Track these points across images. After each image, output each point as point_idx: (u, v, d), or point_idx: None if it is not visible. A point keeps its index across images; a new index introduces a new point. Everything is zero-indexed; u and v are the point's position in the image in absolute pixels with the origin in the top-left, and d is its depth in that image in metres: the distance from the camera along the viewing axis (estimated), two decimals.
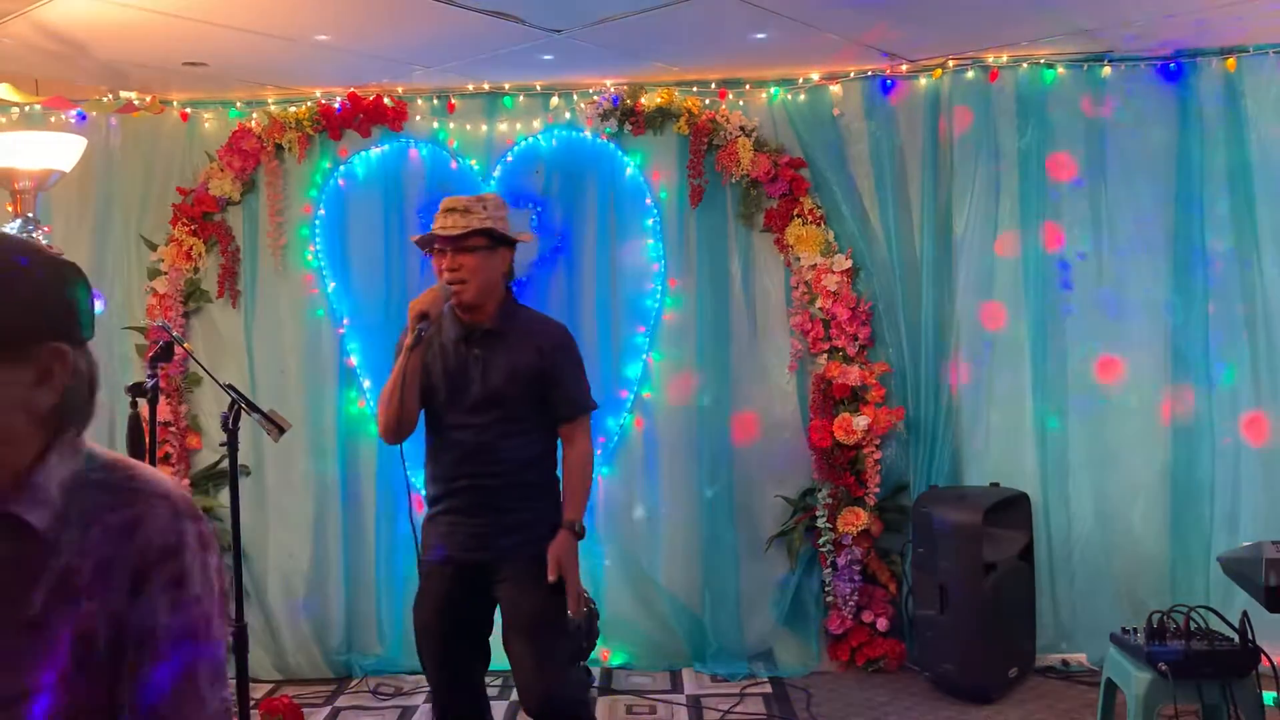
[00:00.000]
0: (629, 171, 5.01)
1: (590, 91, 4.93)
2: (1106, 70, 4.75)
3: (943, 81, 4.85)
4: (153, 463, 3.48)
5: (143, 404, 3.39)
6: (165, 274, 4.95)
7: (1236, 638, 3.21)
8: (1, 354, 1.14)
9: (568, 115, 4.98)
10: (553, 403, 3.14)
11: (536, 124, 5.00)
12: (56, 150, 4.19)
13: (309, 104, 4.97)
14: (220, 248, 5.00)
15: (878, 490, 4.83)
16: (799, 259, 4.88)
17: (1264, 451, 4.63)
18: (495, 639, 3.22)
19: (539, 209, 4.99)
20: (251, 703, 4.05)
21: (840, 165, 4.93)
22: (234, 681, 3.30)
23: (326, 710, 4.52)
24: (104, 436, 3.79)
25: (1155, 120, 4.74)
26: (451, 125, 5.03)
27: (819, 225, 4.87)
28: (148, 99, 4.93)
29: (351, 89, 4.94)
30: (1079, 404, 4.81)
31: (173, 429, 4.88)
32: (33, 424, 1.19)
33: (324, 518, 4.99)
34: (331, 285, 5.03)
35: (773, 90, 4.96)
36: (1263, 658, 3.20)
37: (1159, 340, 4.76)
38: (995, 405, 4.85)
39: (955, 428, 4.86)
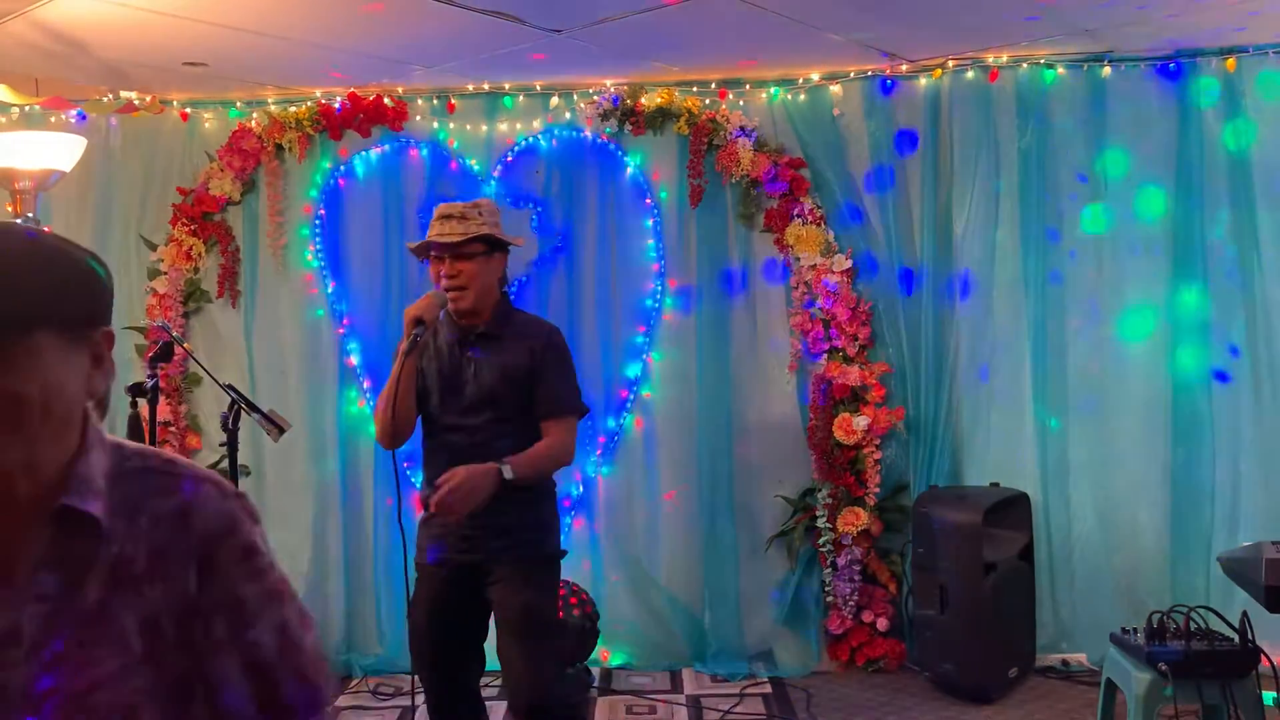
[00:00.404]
0: (629, 171, 5.01)
1: (590, 91, 4.93)
2: (1106, 70, 4.75)
3: (943, 81, 4.85)
4: None
5: (142, 404, 3.40)
6: (165, 274, 4.95)
7: (1236, 638, 3.20)
8: (69, 337, 1.14)
9: (568, 115, 4.98)
10: (535, 400, 3.12)
11: (536, 124, 5.00)
12: (56, 150, 4.19)
13: (309, 104, 4.96)
14: (220, 248, 4.99)
15: (878, 490, 4.83)
16: (799, 259, 4.88)
17: (1264, 451, 4.63)
18: (493, 642, 3.21)
19: (539, 209, 4.99)
20: None
21: (840, 165, 4.93)
22: None
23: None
24: None
25: (1155, 120, 4.74)
26: (451, 125, 5.02)
27: (819, 225, 4.87)
28: (148, 99, 4.92)
29: (351, 89, 4.94)
30: (1079, 404, 4.81)
31: (172, 429, 4.88)
32: (86, 410, 1.20)
33: (323, 518, 4.99)
34: (331, 285, 5.03)
35: (773, 90, 4.96)
36: (1263, 658, 3.19)
37: (1159, 340, 4.76)
38: (995, 405, 4.85)
39: (955, 428, 4.85)
